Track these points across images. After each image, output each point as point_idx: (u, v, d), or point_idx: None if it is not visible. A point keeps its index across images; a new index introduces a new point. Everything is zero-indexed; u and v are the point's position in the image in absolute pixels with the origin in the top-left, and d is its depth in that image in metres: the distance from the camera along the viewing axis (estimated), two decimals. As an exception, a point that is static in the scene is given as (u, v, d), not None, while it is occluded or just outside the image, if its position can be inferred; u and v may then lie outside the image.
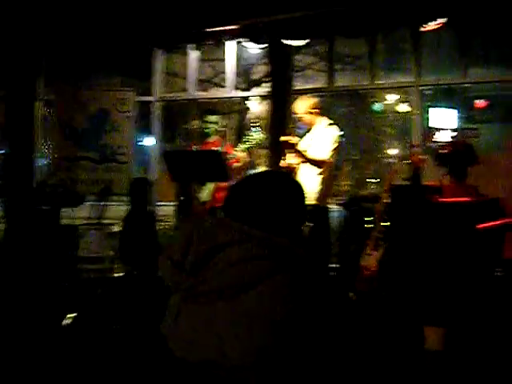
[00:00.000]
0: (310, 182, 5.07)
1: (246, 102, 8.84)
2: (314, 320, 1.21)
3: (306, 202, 1.40)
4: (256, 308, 1.18)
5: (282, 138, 5.00)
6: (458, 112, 8.01)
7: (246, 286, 1.20)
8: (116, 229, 4.31)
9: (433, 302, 3.47)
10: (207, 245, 1.27)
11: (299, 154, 4.96)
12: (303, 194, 1.49)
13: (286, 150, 5.05)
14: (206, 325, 1.22)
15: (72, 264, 4.08)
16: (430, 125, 7.52)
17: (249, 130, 5.38)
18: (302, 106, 5.14)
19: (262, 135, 5.24)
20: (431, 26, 5.40)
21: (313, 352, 1.21)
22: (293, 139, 4.96)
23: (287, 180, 1.51)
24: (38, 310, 4.38)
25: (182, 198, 5.29)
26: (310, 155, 4.99)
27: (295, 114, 5.19)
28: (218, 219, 1.41)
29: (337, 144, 5.20)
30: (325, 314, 1.24)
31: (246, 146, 5.19)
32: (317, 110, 5.18)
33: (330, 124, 5.19)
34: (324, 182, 5.11)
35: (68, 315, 4.09)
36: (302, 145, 5.06)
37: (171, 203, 5.68)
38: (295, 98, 6.97)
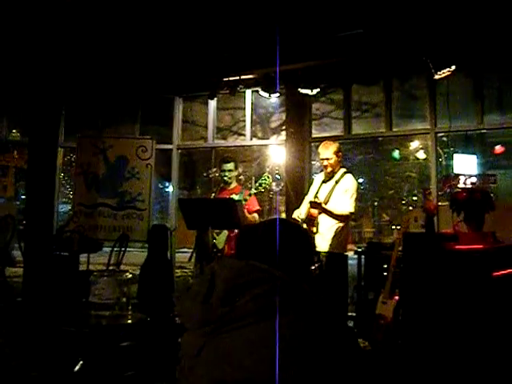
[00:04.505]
0: (330, 230, 5.04)
1: (265, 149, 8.91)
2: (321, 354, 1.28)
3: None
4: (270, 336, 1.28)
5: (311, 200, 5.02)
6: (477, 158, 7.93)
7: (265, 316, 1.31)
8: (130, 276, 4.30)
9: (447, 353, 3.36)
10: (234, 282, 1.38)
11: (326, 212, 4.97)
12: (309, 240, 1.70)
13: (312, 210, 5.03)
14: (229, 354, 1.28)
15: (85, 310, 4.07)
16: (449, 171, 7.46)
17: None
18: (329, 150, 5.15)
19: (269, 180, 5.24)
20: (444, 73, 5.41)
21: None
22: (319, 200, 4.96)
23: (295, 227, 1.69)
24: (49, 355, 4.36)
25: (197, 245, 5.31)
26: (336, 211, 4.98)
27: (322, 158, 5.17)
28: (243, 261, 1.50)
29: (357, 194, 5.18)
30: (332, 350, 1.31)
31: (254, 192, 5.22)
32: (340, 154, 5.20)
33: (346, 172, 5.18)
34: (343, 231, 5.09)
35: (80, 361, 4.06)
36: (322, 195, 5.04)
37: (190, 250, 5.68)
38: (315, 146, 7.06)
